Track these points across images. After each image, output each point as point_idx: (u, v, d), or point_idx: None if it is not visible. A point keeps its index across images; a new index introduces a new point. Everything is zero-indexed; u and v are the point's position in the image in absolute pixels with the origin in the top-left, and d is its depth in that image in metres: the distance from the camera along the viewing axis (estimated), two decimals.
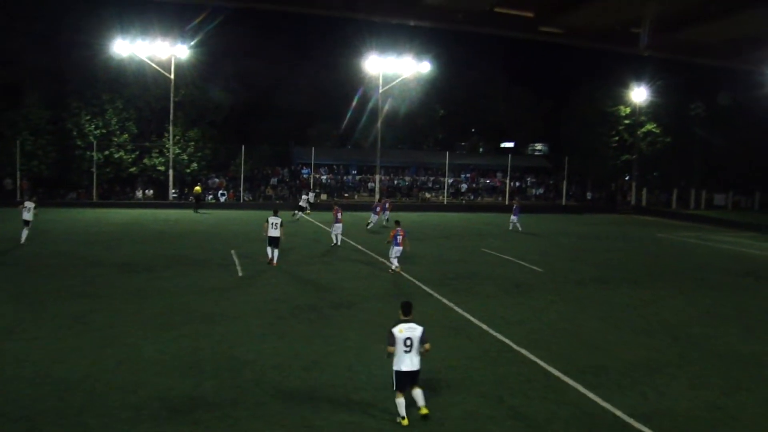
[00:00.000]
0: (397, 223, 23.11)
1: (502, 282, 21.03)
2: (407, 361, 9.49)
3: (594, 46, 42.67)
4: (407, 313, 9.68)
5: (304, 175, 56.10)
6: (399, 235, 21.77)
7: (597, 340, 14.53)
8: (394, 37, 50.38)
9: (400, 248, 21.83)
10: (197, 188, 46.77)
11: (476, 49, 62.72)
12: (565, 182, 58.52)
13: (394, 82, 51.14)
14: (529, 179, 64.11)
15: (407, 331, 9.47)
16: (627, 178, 62.44)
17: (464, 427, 9.61)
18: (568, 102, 64.11)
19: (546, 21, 35.99)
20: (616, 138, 59.81)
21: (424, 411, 9.59)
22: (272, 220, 22.46)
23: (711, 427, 9.97)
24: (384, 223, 37.16)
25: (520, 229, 36.79)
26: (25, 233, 25.94)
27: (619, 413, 10.25)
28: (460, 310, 16.64)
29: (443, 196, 56.00)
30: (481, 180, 62.32)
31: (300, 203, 42.37)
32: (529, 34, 39.29)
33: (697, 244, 34.54)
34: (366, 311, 16.33)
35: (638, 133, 59.06)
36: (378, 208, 37.81)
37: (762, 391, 11.70)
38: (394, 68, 50.19)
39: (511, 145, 77.50)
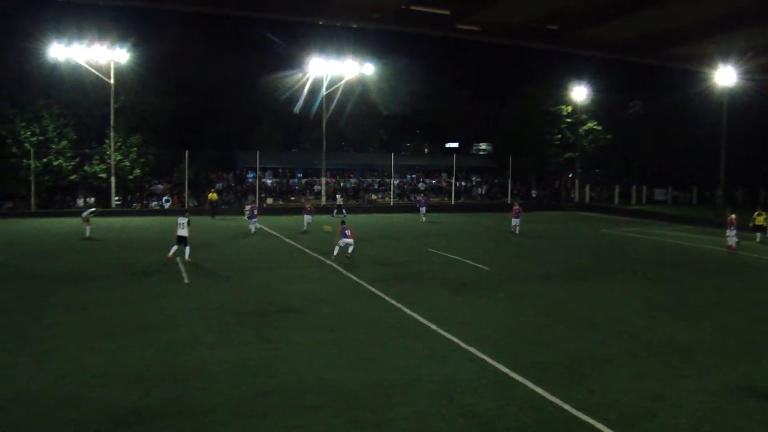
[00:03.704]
0: (343, 222, 26.28)
1: (449, 281, 21.16)
2: None
3: (512, 43, 43.28)
4: None
5: (249, 180, 55.55)
6: (347, 230, 24.92)
7: (543, 335, 14.73)
8: (338, 40, 50.37)
9: (349, 240, 24.76)
10: (213, 195, 46.98)
11: (418, 50, 63.22)
12: (509, 181, 59.24)
13: (337, 84, 51.05)
14: (474, 178, 64.72)
15: None
16: (570, 176, 63.60)
17: (414, 426, 9.60)
18: (510, 102, 64.98)
19: (463, 18, 36.28)
20: (559, 136, 60.88)
21: None
22: (180, 220, 24.40)
23: (654, 416, 10.19)
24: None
25: (517, 232, 35.61)
26: None
27: (566, 407, 10.40)
28: (408, 311, 16.66)
29: (389, 198, 56.09)
30: (426, 180, 62.66)
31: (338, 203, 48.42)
32: (446, 32, 39.64)
33: (638, 239, 35.38)
34: (314, 315, 16.21)
35: (580, 131, 60.23)
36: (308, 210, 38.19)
37: (699, 378, 12.04)
38: (337, 70, 50.10)
39: (455, 145, 78.18)
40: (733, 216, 30.77)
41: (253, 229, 34.08)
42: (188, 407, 10.11)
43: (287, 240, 30.99)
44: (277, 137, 65.62)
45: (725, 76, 44.92)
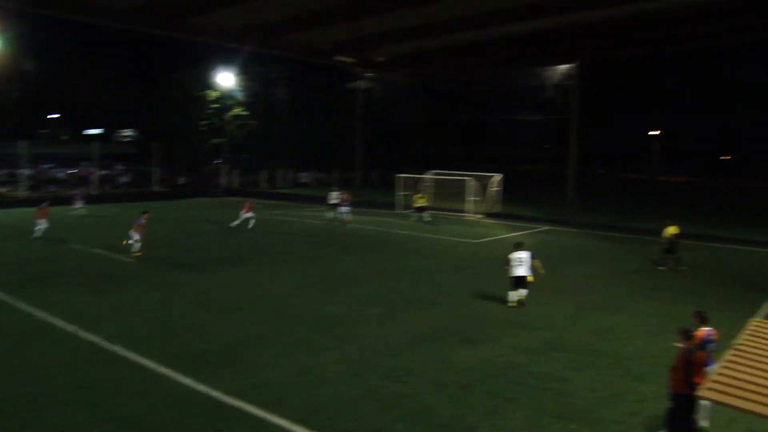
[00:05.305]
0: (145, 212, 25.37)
1: (92, 277, 19.62)
2: (518, 270, 16.03)
3: (116, 25, 43.69)
4: (519, 248, 16.38)
5: None
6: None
7: (192, 324, 14.48)
8: None
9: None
10: None
11: (55, 28, 57.65)
12: (154, 168, 57.20)
13: None
14: (117, 167, 61.38)
15: (518, 254, 16.13)
16: (219, 161, 63.65)
17: None
18: (156, 87, 62.86)
19: None
20: (206, 122, 60.52)
21: (522, 297, 16.31)
22: None
23: (301, 391, 10.62)
24: None
25: (233, 224, 32.58)
26: None
27: (215, 393, 10.35)
28: (42, 314, 15.02)
29: (21, 191, 50.37)
30: (63, 170, 57.72)
31: None
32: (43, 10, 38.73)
33: (283, 221, 36.70)
34: None
35: (226, 116, 60.52)
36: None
37: (343, 348, 12.90)
38: None
39: (97, 131, 73.53)
40: (346, 195, 35.55)
41: None
42: None
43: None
44: None
45: (357, 69, 48.63)
